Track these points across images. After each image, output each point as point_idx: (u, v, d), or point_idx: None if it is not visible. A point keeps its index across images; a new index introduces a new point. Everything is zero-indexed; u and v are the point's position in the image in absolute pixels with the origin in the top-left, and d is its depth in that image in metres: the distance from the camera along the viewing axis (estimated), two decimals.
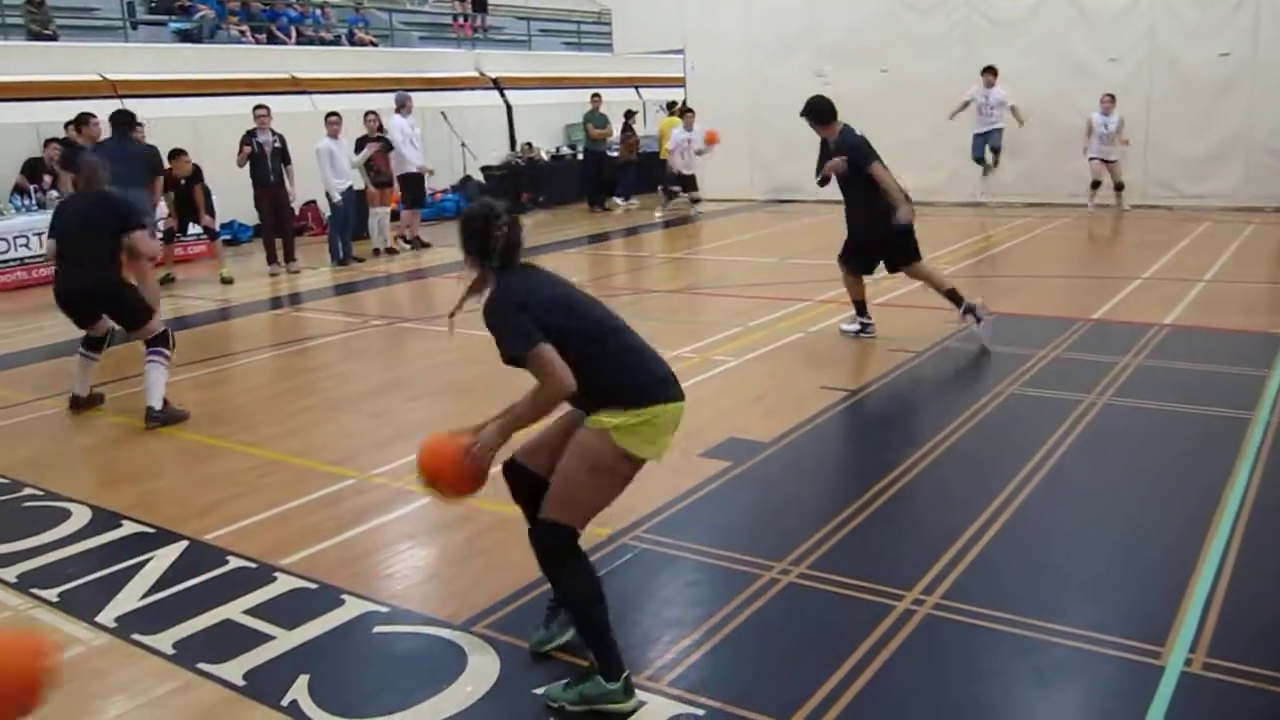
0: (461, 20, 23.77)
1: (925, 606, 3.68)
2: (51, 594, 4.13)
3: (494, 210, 3.30)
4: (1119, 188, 14.06)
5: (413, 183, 13.88)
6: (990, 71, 14.47)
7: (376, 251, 13.41)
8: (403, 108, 13.72)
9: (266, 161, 12.19)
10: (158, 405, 6.43)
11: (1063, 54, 14.75)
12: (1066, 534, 4.32)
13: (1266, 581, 3.81)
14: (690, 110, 16.42)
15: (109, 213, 6.55)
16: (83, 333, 6.81)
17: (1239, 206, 13.79)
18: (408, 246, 13.83)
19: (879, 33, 16.06)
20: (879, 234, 7.43)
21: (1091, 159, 14.08)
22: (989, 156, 14.69)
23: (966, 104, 14.56)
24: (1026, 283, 10.04)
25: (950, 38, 15.59)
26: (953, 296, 7.49)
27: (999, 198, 15.17)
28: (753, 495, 4.97)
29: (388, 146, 13.28)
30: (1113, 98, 13.77)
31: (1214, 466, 4.89)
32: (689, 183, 16.75)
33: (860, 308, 7.82)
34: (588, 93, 18.77)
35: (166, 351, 6.57)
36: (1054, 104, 14.56)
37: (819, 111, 7.51)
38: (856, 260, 7.73)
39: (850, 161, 7.34)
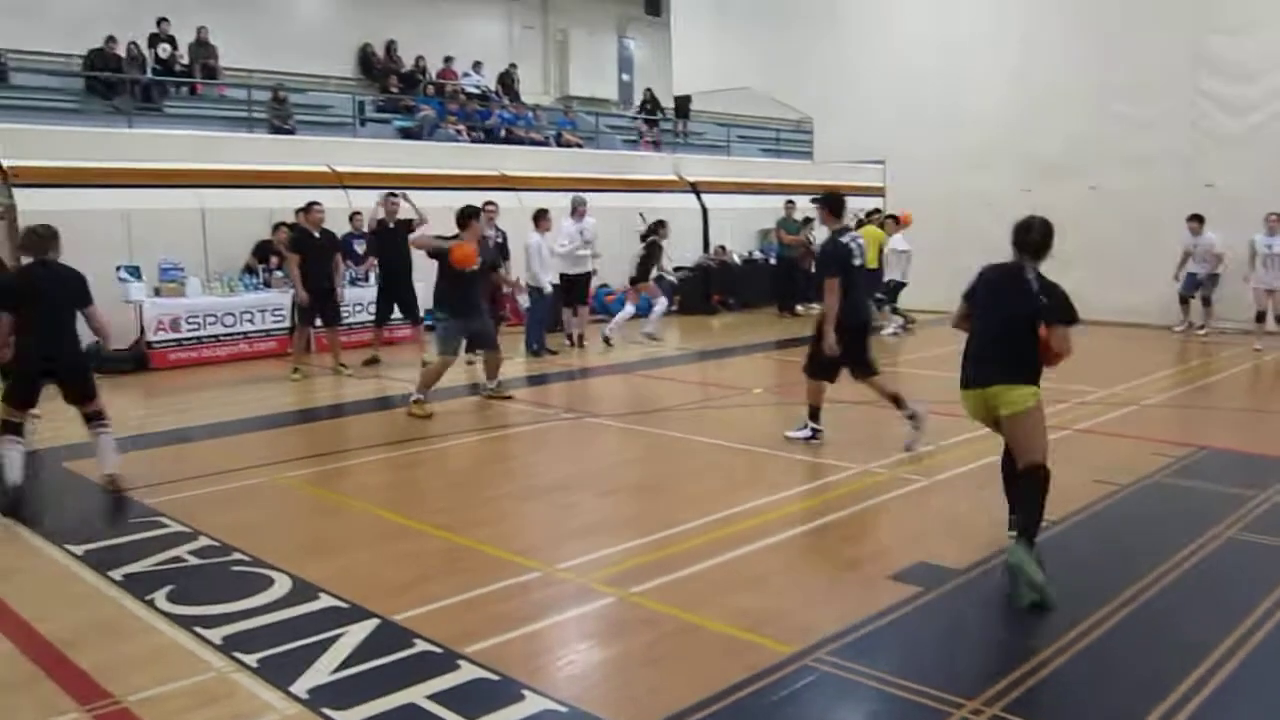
0: (652, 127, 24.50)
1: None
2: (252, 659, 4.31)
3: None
4: None
5: (577, 283, 14.11)
6: (1195, 219, 14.05)
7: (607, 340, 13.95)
8: (575, 212, 14.00)
9: (489, 254, 12.75)
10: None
11: None
12: None
13: None
14: (896, 218, 16.03)
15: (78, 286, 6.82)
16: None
17: None
18: (568, 345, 14.07)
19: (1090, 148, 15.66)
20: (842, 342, 7.82)
21: (1254, 287, 13.11)
22: (1200, 311, 14.20)
23: (1187, 256, 14.12)
24: (1245, 416, 9.42)
25: (1167, 155, 15.02)
26: (896, 401, 7.98)
27: (1207, 328, 14.37)
28: (943, 624, 4.76)
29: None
30: (1279, 216, 12.88)
31: None
32: (894, 291, 15.95)
33: (814, 414, 8.16)
34: (783, 199, 18.97)
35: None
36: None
37: (832, 202, 8.16)
38: (814, 366, 8.08)
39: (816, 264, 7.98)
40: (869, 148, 18.50)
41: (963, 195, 16.67)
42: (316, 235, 12.06)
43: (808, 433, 8.16)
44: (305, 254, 11.86)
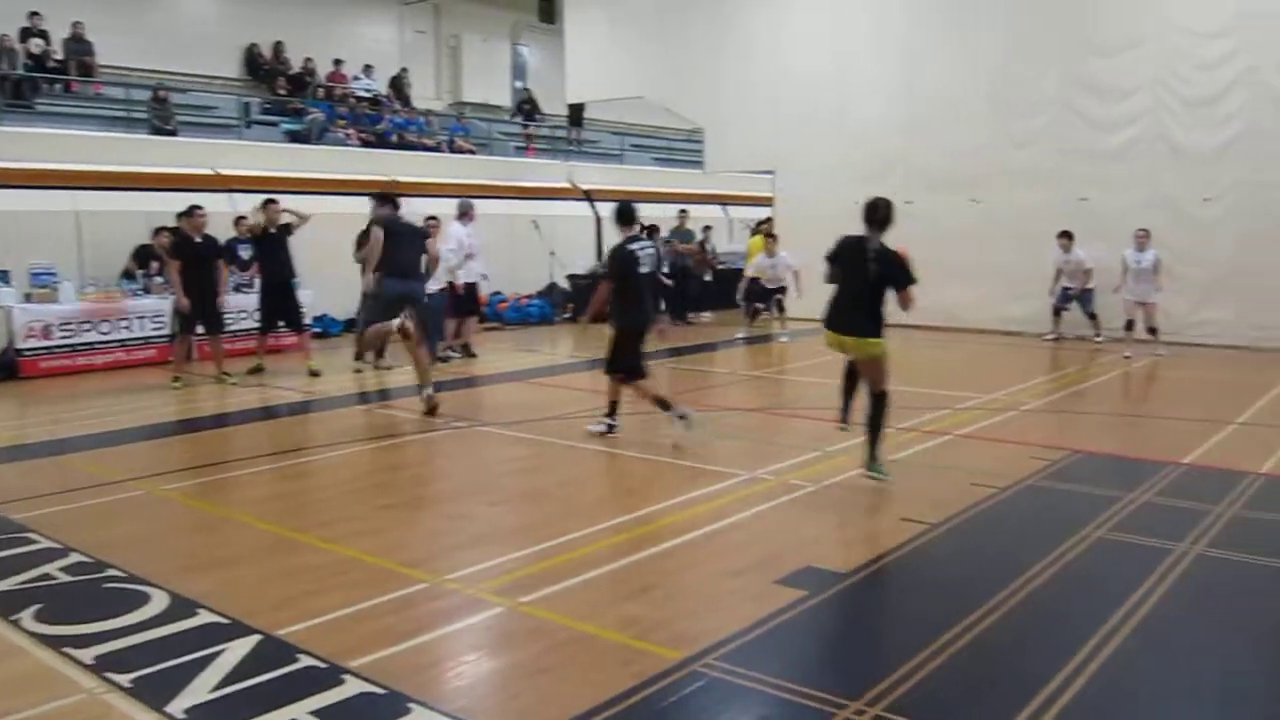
0: (526, 128, 24.54)
1: None
2: (125, 679, 4.16)
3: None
4: (1151, 331, 13.61)
5: (469, 292, 13.82)
6: (1065, 236, 14.63)
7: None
8: (464, 215, 13.69)
9: None
10: None
11: (1155, 192, 14.61)
12: (1158, 691, 4.13)
13: None
14: (773, 235, 16.37)
15: None
16: None
17: None
18: (456, 355, 13.72)
19: (975, 162, 16.15)
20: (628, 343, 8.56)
21: (1125, 299, 13.74)
22: (1090, 325, 14.74)
23: (1059, 272, 14.72)
24: (1113, 421, 9.82)
25: (1044, 170, 15.58)
26: (662, 404, 8.49)
27: (1102, 337, 14.92)
28: (829, 628, 4.85)
29: None
30: (1147, 233, 13.57)
31: None
32: (771, 296, 16.04)
33: (612, 409, 8.79)
34: (676, 207, 19.14)
35: None
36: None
37: (619, 214, 8.75)
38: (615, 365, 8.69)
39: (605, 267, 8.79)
40: (759, 158, 18.74)
41: (851, 207, 16.91)
42: (198, 240, 11.73)
43: (603, 427, 8.75)
44: (186, 260, 11.53)
